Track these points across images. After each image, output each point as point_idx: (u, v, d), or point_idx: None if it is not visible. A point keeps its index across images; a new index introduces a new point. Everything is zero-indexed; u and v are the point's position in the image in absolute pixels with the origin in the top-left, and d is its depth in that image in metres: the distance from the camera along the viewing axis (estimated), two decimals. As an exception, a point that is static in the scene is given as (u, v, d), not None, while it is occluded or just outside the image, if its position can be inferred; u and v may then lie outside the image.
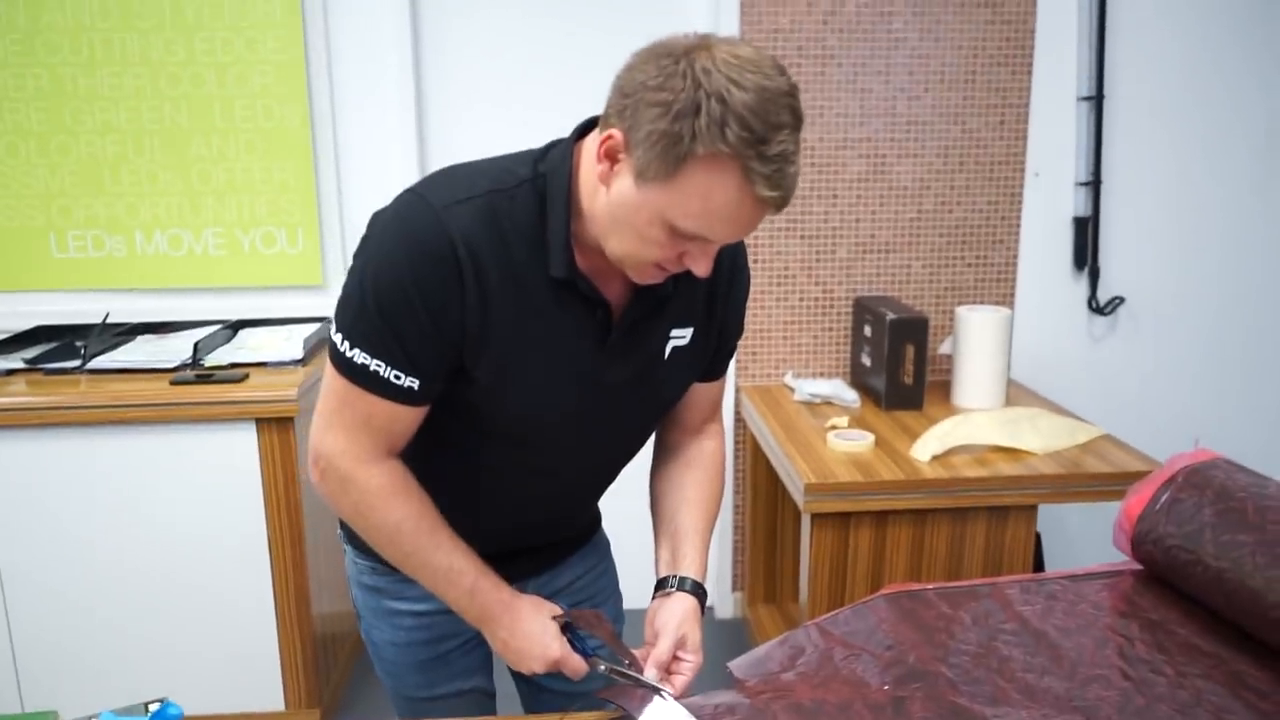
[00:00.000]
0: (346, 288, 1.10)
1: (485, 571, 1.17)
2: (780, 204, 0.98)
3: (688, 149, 0.94)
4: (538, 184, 1.09)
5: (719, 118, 0.92)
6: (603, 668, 1.16)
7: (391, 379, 1.08)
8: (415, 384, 1.08)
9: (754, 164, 0.93)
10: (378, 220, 1.10)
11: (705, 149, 0.93)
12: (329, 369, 1.11)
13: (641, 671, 1.15)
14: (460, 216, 1.05)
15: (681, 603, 1.21)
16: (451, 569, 1.15)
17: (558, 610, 1.20)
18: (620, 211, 1.02)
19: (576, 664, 1.17)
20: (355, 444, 1.11)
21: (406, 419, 1.12)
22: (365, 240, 1.10)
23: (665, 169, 0.96)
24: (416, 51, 2.62)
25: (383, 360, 1.07)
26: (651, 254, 1.03)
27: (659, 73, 0.95)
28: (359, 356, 1.07)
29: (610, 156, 1.02)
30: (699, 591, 1.24)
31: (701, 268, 1.04)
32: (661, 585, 1.25)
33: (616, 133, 1.00)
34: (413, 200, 1.08)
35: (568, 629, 1.19)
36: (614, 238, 1.04)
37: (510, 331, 1.09)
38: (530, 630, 1.17)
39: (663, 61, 0.96)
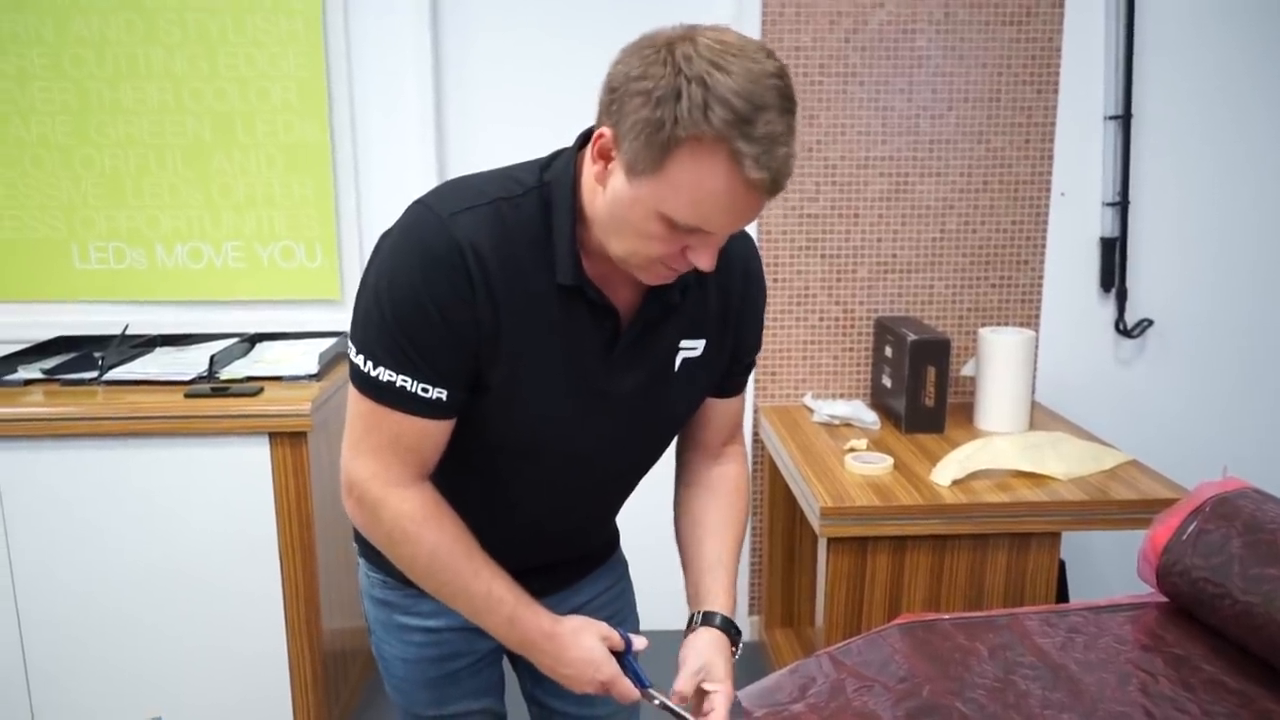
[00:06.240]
0: (361, 307, 1.08)
1: (524, 598, 1.14)
2: (773, 188, 0.95)
3: (671, 135, 0.92)
4: (543, 192, 1.08)
5: (701, 101, 0.90)
6: (657, 702, 1.12)
7: (419, 393, 1.06)
8: (443, 395, 1.07)
9: (740, 145, 0.91)
10: (386, 237, 1.10)
11: (688, 133, 0.91)
12: (352, 394, 1.10)
13: (692, 712, 1.11)
14: (466, 223, 1.04)
15: (704, 635, 1.19)
16: (490, 596, 1.12)
17: (608, 630, 1.15)
18: (618, 209, 1.00)
19: (626, 689, 1.13)
20: (386, 468, 1.09)
21: (435, 435, 1.10)
22: (374, 257, 1.09)
23: (653, 160, 0.94)
24: (436, 68, 2.62)
25: (408, 375, 1.05)
26: (652, 250, 1.00)
27: (641, 63, 0.94)
28: (384, 374, 1.06)
29: (604, 155, 1.01)
30: (727, 626, 1.20)
31: (704, 261, 1.01)
32: (691, 621, 1.22)
33: (606, 130, 0.99)
34: (419, 210, 1.07)
35: (620, 654, 1.14)
36: (615, 238, 1.02)
37: (520, 338, 1.08)
38: (575, 658, 1.13)
39: (645, 52, 0.95)
